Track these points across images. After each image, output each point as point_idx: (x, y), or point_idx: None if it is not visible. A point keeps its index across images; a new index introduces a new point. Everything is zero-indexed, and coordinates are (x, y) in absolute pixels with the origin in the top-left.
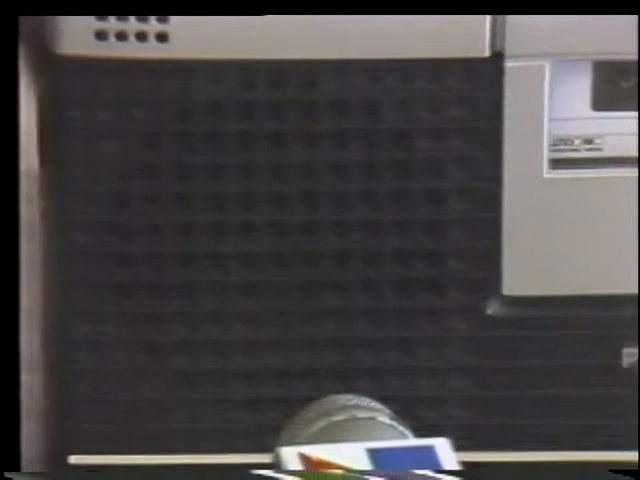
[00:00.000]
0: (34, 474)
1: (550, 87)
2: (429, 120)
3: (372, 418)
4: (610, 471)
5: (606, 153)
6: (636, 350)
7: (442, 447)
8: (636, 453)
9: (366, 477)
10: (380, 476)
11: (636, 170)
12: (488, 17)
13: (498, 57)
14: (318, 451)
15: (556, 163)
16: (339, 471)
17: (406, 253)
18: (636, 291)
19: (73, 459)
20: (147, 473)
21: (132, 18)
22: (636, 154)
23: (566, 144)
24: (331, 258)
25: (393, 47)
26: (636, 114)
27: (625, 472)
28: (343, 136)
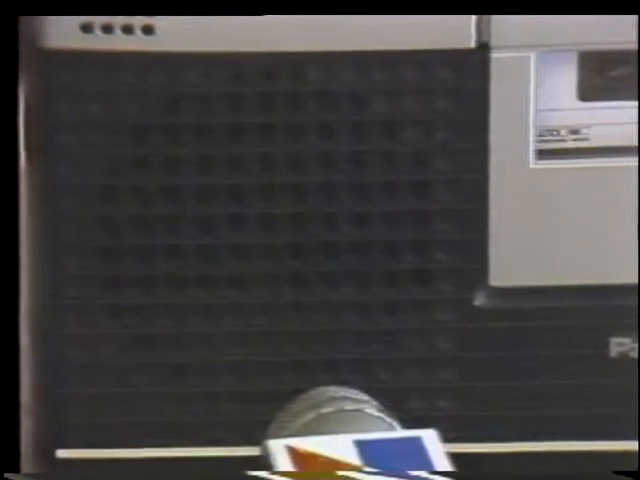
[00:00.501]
0: (34, 475)
1: (536, 78)
2: (416, 111)
3: (360, 410)
4: (613, 472)
5: (593, 143)
6: (625, 340)
7: (430, 438)
8: (625, 442)
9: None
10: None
11: (622, 160)
12: None
13: (484, 48)
14: (306, 443)
15: (542, 154)
16: (341, 472)
17: (393, 244)
18: (623, 281)
19: (61, 453)
20: (145, 473)
21: None
22: (623, 144)
23: (552, 135)
24: (319, 250)
25: (380, 39)
26: (622, 104)
27: (625, 473)
28: (331, 128)
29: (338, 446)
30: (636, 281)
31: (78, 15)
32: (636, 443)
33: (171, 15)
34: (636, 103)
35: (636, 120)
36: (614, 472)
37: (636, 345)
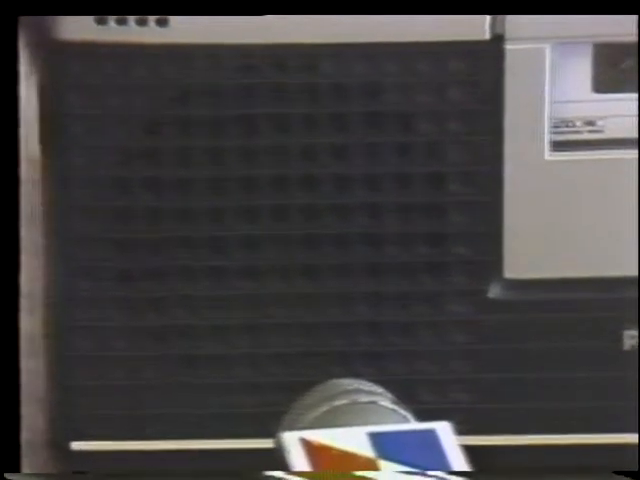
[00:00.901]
0: (34, 474)
1: (551, 69)
2: (430, 103)
3: (373, 402)
4: (613, 473)
5: (607, 135)
6: (637, 332)
7: (443, 431)
8: (636, 435)
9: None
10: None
11: (637, 151)
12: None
13: (499, 40)
14: (320, 436)
15: (557, 145)
16: (358, 472)
17: (407, 236)
18: (636, 273)
19: (75, 445)
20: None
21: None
22: (637, 135)
23: (567, 126)
24: (333, 241)
25: (393, 31)
26: (636, 95)
27: (625, 473)
28: (344, 120)
29: (352, 438)
30: None
31: (78, 15)
32: None
33: (180, 15)
34: None
35: None
36: (615, 472)
37: None
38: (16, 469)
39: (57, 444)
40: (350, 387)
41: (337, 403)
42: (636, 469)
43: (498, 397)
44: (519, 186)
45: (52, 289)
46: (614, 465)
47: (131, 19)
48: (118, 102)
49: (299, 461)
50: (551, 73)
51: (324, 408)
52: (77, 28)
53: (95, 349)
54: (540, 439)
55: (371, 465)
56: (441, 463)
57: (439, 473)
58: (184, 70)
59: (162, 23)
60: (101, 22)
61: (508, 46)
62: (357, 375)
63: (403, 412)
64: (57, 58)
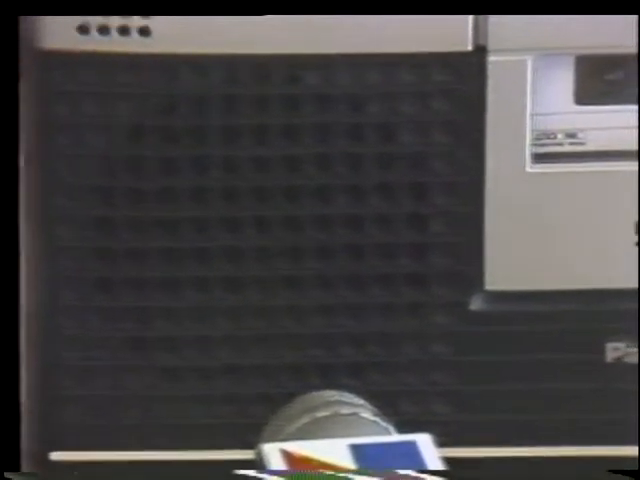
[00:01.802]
0: (34, 474)
1: (533, 81)
2: (412, 114)
3: (355, 414)
4: (610, 471)
5: (589, 147)
6: (620, 345)
7: (424, 443)
8: (621, 447)
9: (351, 477)
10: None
11: (618, 164)
12: None
13: (481, 51)
14: (301, 447)
15: (539, 157)
16: (327, 472)
17: (389, 247)
18: (619, 285)
19: (54, 455)
20: (138, 476)
21: None
22: (619, 148)
23: (549, 138)
24: (314, 253)
25: (376, 41)
26: (618, 107)
27: (625, 472)
28: (327, 130)
29: (333, 450)
30: (632, 285)
31: (78, 15)
32: (631, 448)
33: (170, 15)
34: (632, 107)
35: (632, 124)
36: (614, 471)
37: (631, 350)
38: (16, 469)
39: (36, 454)
40: (331, 399)
41: (318, 415)
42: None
43: (479, 409)
44: (500, 198)
45: (33, 298)
46: (599, 477)
47: (113, 28)
48: (101, 111)
49: None
50: (533, 85)
51: (305, 420)
52: (59, 37)
53: (77, 358)
54: (522, 451)
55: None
56: None
57: (411, 472)
58: (167, 80)
59: (145, 33)
60: (83, 31)
61: (490, 58)
62: (338, 387)
63: (384, 424)
64: (39, 67)
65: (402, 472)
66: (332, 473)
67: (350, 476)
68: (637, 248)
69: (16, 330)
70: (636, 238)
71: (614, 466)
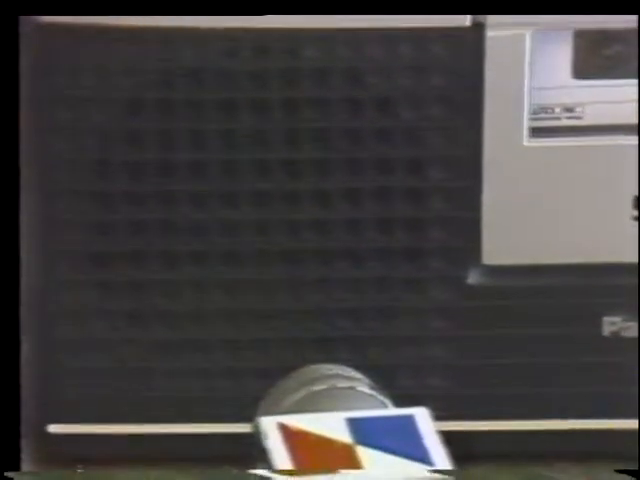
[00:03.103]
0: (34, 473)
1: (531, 56)
2: (411, 88)
3: (352, 387)
4: (615, 471)
5: (587, 121)
6: (616, 319)
7: (421, 416)
8: (616, 421)
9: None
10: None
11: (616, 138)
12: None
13: (479, 26)
14: (298, 421)
15: (536, 131)
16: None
17: (386, 222)
18: (616, 259)
19: (52, 428)
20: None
21: None
22: (617, 122)
23: (546, 112)
24: (312, 227)
25: (375, 16)
26: (616, 82)
27: (626, 472)
28: (326, 104)
29: (330, 423)
30: (629, 260)
31: (79, 15)
32: (627, 421)
33: (170, 15)
34: (630, 81)
35: (630, 98)
36: (616, 471)
37: (628, 324)
38: (16, 468)
39: (34, 427)
40: (329, 372)
41: (315, 388)
42: (614, 454)
43: (476, 383)
44: (498, 172)
45: (31, 272)
46: (594, 450)
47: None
48: (100, 84)
49: (276, 446)
50: (531, 59)
51: (302, 393)
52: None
53: (75, 332)
54: (519, 425)
55: (348, 450)
56: (419, 449)
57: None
58: (165, 53)
59: None
60: None
61: (489, 32)
62: (336, 360)
63: (381, 397)
64: (38, 39)
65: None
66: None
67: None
68: (634, 222)
69: (17, 305)
70: (633, 212)
71: (612, 439)
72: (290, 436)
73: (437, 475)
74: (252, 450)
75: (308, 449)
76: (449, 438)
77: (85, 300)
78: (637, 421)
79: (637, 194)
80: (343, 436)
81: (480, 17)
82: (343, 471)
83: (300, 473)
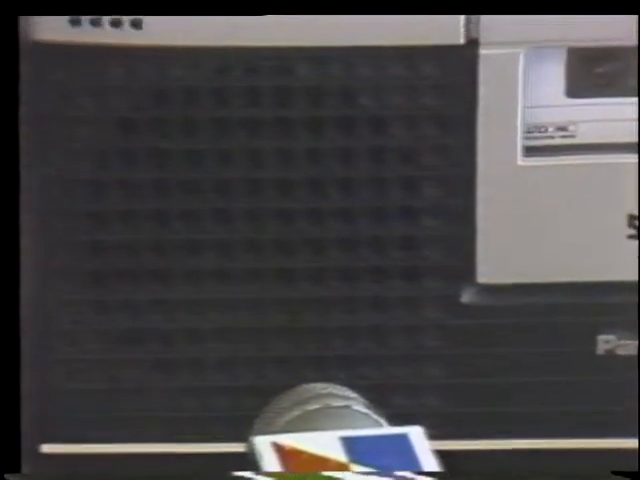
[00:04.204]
0: (34, 474)
1: (524, 74)
2: (404, 107)
3: (346, 406)
4: (613, 472)
5: (580, 140)
6: (610, 337)
7: (416, 435)
8: (611, 440)
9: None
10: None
11: (609, 157)
12: None
13: (473, 44)
14: (292, 440)
15: (530, 150)
16: (327, 472)
17: (380, 240)
18: (610, 278)
19: (46, 448)
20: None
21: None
22: (610, 141)
23: (540, 131)
24: (306, 245)
25: (367, 34)
26: (609, 100)
27: (625, 474)
28: (318, 123)
29: (324, 443)
30: (623, 278)
31: (78, 15)
32: (623, 441)
33: (171, 15)
34: (623, 100)
35: (623, 117)
36: (614, 472)
37: (622, 342)
38: (16, 469)
39: (28, 447)
40: (323, 391)
41: (309, 407)
42: (610, 473)
43: (471, 402)
44: (492, 191)
45: (27, 291)
46: (590, 469)
47: (105, 20)
48: (93, 103)
49: (271, 465)
50: (524, 78)
51: (296, 412)
52: (51, 29)
53: (70, 352)
54: (513, 444)
55: (343, 469)
56: (414, 468)
57: (407, 473)
58: (158, 72)
59: (136, 25)
60: (75, 23)
61: (482, 51)
62: (330, 379)
63: (376, 416)
64: (31, 59)
65: (399, 473)
66: (330, 474)
67: (346, 477)
68: (628, 240)
69: (17, 325)
70: (627, 231)
71: (607, 459)
72: (285, 455)
73: None
74: (246, 469)
75: (303, 468)
76: (444, 457)
77: (80, 319)
78: (633, 440)
79: (631, 213)
80: (338, 455)
81: (474, 35)
82: None
83: (284, 477)
